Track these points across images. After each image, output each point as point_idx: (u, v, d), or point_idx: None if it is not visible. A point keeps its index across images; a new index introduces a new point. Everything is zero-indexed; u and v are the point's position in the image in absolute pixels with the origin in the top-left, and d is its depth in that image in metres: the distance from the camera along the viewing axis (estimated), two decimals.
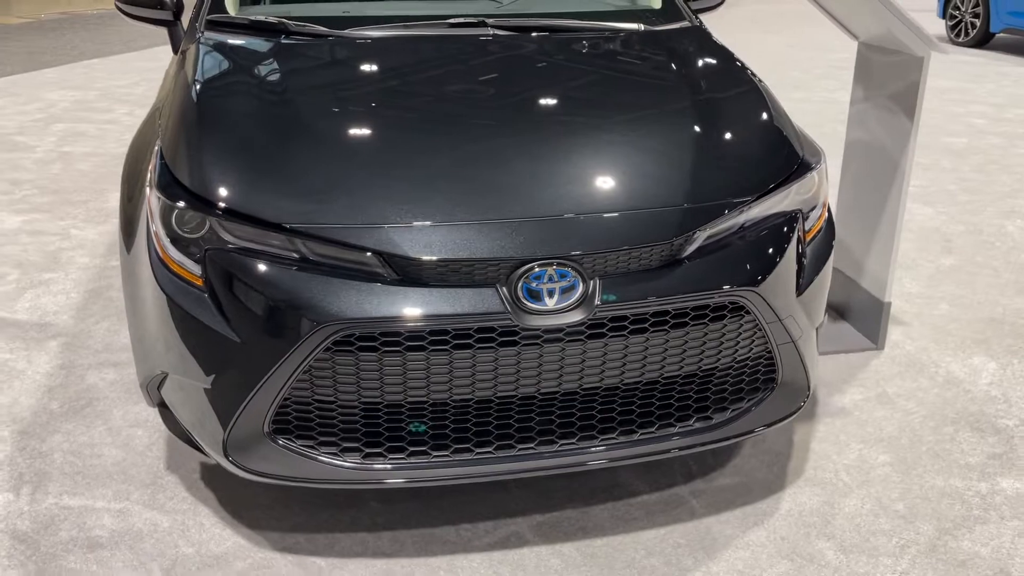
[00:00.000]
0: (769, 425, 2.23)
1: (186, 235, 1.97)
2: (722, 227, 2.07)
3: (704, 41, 2.87)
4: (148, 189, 2.09)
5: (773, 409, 2.23)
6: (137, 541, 2.15)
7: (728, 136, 2.30)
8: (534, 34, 2.76)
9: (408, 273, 1.88)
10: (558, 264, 1.89)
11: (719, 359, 2.10)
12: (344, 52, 2.64)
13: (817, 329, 2.52)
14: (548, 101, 2.42)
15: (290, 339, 1.86)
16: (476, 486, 2.33)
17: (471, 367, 1.92)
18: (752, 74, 2.63)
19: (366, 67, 2.56)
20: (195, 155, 2.08)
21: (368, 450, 1.99)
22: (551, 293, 1.89)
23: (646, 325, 1.97)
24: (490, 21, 2.77)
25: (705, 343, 2.05)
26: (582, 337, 1.94)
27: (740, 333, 2.09)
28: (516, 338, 1.91)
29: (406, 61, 2.61)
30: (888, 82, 2.94)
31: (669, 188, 2.07)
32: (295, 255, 1.92)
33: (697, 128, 2.29)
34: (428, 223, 1.91)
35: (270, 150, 2.09)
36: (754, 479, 2.41)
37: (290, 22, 2.70)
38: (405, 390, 1.93)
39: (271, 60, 2.57)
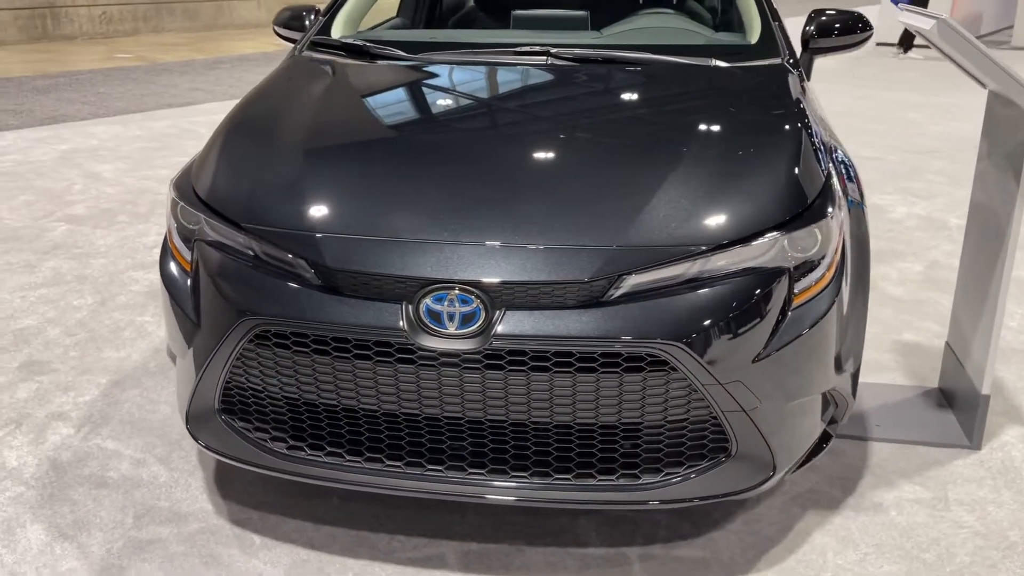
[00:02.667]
0: (714, 497, 2.03)
1: (188, 227, 2.24)
2: (664, 274, 1.93)
3: (771, 81, 2.65)
4: None
5: (722, 481, 2.03)
6: (133, 488, 2.45)
7: (712, 181, 2.12)
8: (592, 65, 2.73)
9: (329, 280, 1.98)
10: (460, 289, 1.89)
11: (644, 414, 1.95)
12: (393, 75, 2.79)
13: (836, 409, 2.25)
14: (543, 131, 2.39)
15: (224, 327, 2.04)
16: (438, 504, 2.36)
17: (372, 379, 1.98)
18: (798, 122, 2.38)
19: (401, 90, 2.70)
20: (204, 157, 2.36)
21: (292, 442, 2.12)
22: (451, 317, 1.89)
23: (548, 364, 1.90)
24: (554, 51, 2.78)
25: (622, 394, 1.93)
26: (480, 366, 1.92)
27: (668, 391, 1.93)
28: (413, 357, 1.93)
29: (443, 86, 2.70)
30: (1008, 137, 2.51)
31: (602, 228, 1.96)
32: (249, 252, 2.10)
33: (679, 170, 2.14)
34: (349, 234, 2.00)
35: (261, 157, 2.30)
36: (719, 558, 2.19)
37: (372, 45, 2.92)
38: (317, 391, 2.03)
39: (324, 78, 2.79)
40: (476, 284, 1.89)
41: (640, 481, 2.01)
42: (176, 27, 14.38)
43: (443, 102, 2.61)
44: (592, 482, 2.01)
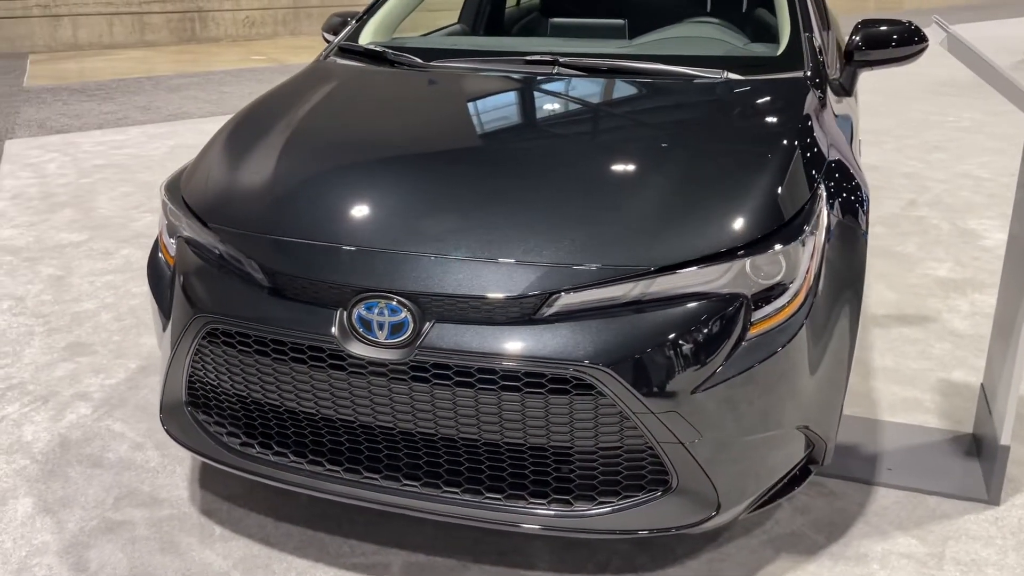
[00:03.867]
0: (649, 531, 1.93)
1: (174, 224, 2.33)
2: (601, 295, 1.85)
3: (780, 96, 2.49)
4: None
5: (660, 515, 1.93)
6: (124, 470, 2.57)
7: (671, 200, 2.01)
8: (596, 76, 2.65)
9: (274, 282, 2.01)
10: (388, 299, 1.87)
11: (574, 439, 1.88)
12: (390, 82, 2.80)
13: (821, 449, 2.10)
14: (514, 144, 2.34)
15: (183, 322, 2.11)
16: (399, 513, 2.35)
17: (309, 384, 1.99)
18: (787, 141, 2.22)
19: (390, 97, 2.70)
20: (197, 158, 2.44)
21: (245, 439, 2.17)
22: (381, 326, 1.88)
23: (472, 380, 1.86)
24: (563, 60, 2.72)
25: (548, 416, 1.86)
26: (406, 377, 1.90)
27: (598, 416, 1.85)
28: (344, 363, 1.93)
29: (433, 95, 2.69)
30: None
31: (541, 244, 1.90)
32: (215, 251, 2.16)
33: (638, 187, 2.04)
34: (293, 238, 2.02)
35: (239, 159, 2.35)
36: None
37: (391, 51, 2.95)
38: (262, 391, 2.07)
39: (329, 84, 2.82)
40: (405, 294, 1.87)
41: (572, 508, 1.94)
42: (312, 31, 15.01)
43: (425, 111, 2.60)
44: (522, 504, 1.95)
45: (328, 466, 2.07)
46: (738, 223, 1.95)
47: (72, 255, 4.36)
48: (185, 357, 2.14)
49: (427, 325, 1.87)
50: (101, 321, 3.60)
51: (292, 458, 2.10)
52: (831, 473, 2.53)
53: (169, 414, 2.28)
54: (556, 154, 2.23)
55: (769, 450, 2.02)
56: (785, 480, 2.12)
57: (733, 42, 2.97)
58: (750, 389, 1.90)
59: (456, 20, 4.26)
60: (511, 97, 2.62)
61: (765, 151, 2.17)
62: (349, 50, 3.08)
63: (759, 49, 2.89)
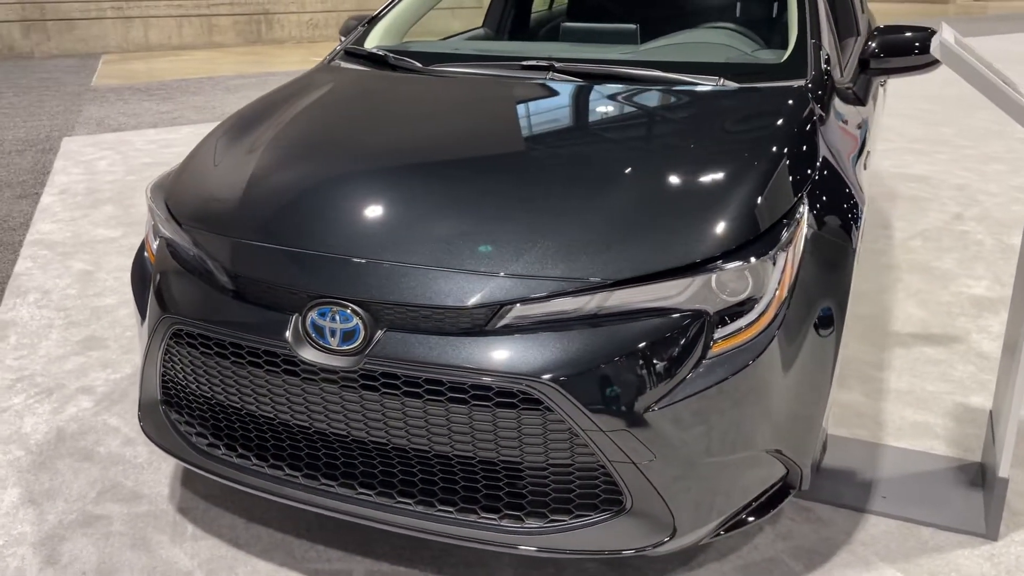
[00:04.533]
0: (601, 553, 1.87)
1: (156, 225, 2.36)
2: (554, 308, 1.80)
3: (772, 105, 2.39)
4: None
5: (612, 536, 1.87)
6: (112, 465, 2.62)
7: (633, 212, 1.94)
8: (589, 82, 2.60)
9: (236, 285, 2.01)
10: (340, 305, 1.86)
11: (524, 454, 1.84)
12: (379, 87, 2.79)
13: (796, 474, 2.02)
14: (485, 151, 2.29)
15: (154, 322, 2.13)
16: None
17: (266, 388, 1.99)
18: (767, 153, 2.13)
19: (373, 101, 2.68)
20: (184, 159, 2.47)
21: (212, 440, 2.18)
22: (333, 333, 1.87)
23: (420, 390, 1.83)
24: (558, 66, 2.68)
25: (496, 430, 1.82)
26: (356, 385, 1.88)
27: (547, 432, 1.80)
28: (297, 369, 1.93)
29: (416, 100, 2.66)
30: None
31: (495, 254, 1.85)
32: (188, 253, 2.17)
33: (602, 198, 1.98)
34: (255, 242, 2.02)
35: (217, 162, 2.37)
36: None
37: (391, 55, 2.94)
38: (224, 393, 2.08)
39: (321, 87, 2.82)
40: (356, 301, 1.85)
41: (523, 524, 1.89)
42: None
43: (405, 116, 2.57)
44: (474, 518, 1.91)
45: (287, 471, 2.07)
46: (703, 237, 1.88)
47: (104, 251, 4.48)
48: (157, 357, 2.16)
49: (379, 333, 1.85)
50: (118, 316, 3.67)
51: (254, 462, 2.11)
52: (820, 498, 2.43)
53: (145, 412, 2.30)
54: (528, 162, 2.19)
55: (735, 473, 1.94)
56: (756, 504, 2.04)
57: (742, 48, 2.88)
58: (711, 410, 1.83)
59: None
60: (495, 103, 2.58)
61: (743, 162, 2.09)
62: (354, 53, 3.08)
63: (766, 56, 2.79)
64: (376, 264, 1.88)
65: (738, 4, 3.70)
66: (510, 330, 1.80)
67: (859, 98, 2.78)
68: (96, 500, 2.45)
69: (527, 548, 1.87)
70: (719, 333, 1.85)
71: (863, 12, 4.24)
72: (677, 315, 1.83)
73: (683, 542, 1.92)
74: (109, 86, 9.85)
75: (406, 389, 1.84)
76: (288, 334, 1.90)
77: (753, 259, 1.87)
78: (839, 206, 2.20)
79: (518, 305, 1.80)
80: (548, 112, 2.49)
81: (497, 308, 1.80)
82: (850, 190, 2.28)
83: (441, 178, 2.14)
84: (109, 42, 12.98)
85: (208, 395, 2.11)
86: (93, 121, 7.81)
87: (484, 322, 1.81)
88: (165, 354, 2.14)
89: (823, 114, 2.43)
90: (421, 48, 3.11)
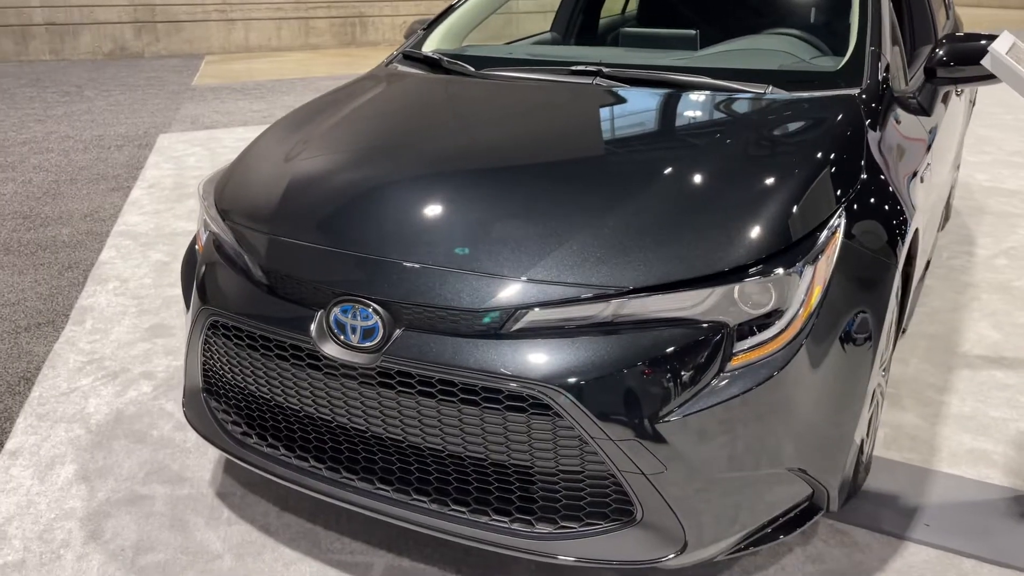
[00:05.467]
0: (609, 563, 1.85)
1: (207, 219, 2.45)
2: (570, 313, 1.80)
3: (818, 115, 2.32)
4: None
5: (622, 547, 1.85)
6: (162, 448, 2.73)
7: (657, 221, 1.91)
8: (635, 88, 2.58)
9: (269, 280, 2.08)
10: (361, 303, 1.89)
11: (534, 459, 1.83)
12: (426, 90, 2.83)
13: (823, 495, 1.97)
14: (519, 156, 2.29)
15: (195, 313, 2.22)
16: None
17: (293, 381, 2.04)
18: (803, 164, 2.07)
19: (418, 104, 2.72)
20: (237, 156, 2.56)
21: (245, 429, 2.25)
22: (354, 330, 1.91)
23: (433, 390, 1.85)
24: (606, 71, 2.66)
25: (507, 433, 1.82)
26: (373, 382, 1.91)
27: (557, 438, 1.80)
28: (320, 364, 1.97)
29: (460, 104, 2.68)
30: None
31: (514, 258, 1.86)
32: (230, 247, 2.25)
33: (627, 206, 1.96)
34: (287, 238, 2.08)
35: (264, 160, 2.44)
36: None
37: (444, 58, 2.98)
38: (256, 384, 2.14)
39: (374, 89, 2.87)
40: (377, 300, 1.89)
41: (533, 529, 1.89)
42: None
43: (444, 119, 2.60)
44: (485, 520, 1.92)
45: (312, 463, 2.12)
46: (726, 247, 1.84)
47: (182, 243, 4.67)
48: (198, 346, 2.24)
49: (397, 332, 1.88)
50: None
51: (282, 452, 2.17)
52: (858, 522, 2.35)
53: (189, 399, 2.40)
54: (558, 167, 2.18)
55: (754, 490, 1.89)
56: (778, 523, 1.99)
57: (801, 55, 2.80)
58: (727, 425, 1.79)
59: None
60: (535, 108, 2.59)
61: (775, 172, 2.04)
62: (411, 57, 3.13)
63: (824, 64, 2.71)
64: (396, 264, 1.91)
65: (812, 10, 3.60)
66: (524, 334, 1.80)
67: (923, 108, 2.67)
68: (143, 480, 2.56)
69: (540, 554, 1.87)
70: (740, 346, 1.81)
71: (948, 18, 4.07)
72: (695, 326, 1.80)
73: (695, 557, 1.88)
74: (208, 85, 10.25)
75: (420, 388, 1.86)
76: (312, 329, 1.95)
77: (778, 271, 1.82)
78: (883, 221, 2.13)
79: (533, 310, 1.80)
80: (586, 117, 2.48)
81: (512, 312, 1.81)
82: (898, 205, 2.20)
83: (468, 181, 2.16)
84: (213, 43, 13.51)
85: (242, 385, 2.18)
86: (188, 119, 8.14)
87: (499, 325, 1.82)
88: (204, 344, 2.22)
89: (875, 125, 2.34)
90: (476, 52, 3.14)
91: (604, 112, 2.50)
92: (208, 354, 2.24)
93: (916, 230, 2.45)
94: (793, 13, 3.55)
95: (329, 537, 2.32)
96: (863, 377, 1.98)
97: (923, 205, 2.50)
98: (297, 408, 2.08)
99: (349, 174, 2.27)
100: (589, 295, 1.79)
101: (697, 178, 2.05)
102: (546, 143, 2.34)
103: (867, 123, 2.31)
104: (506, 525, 1.90)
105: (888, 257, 2.08)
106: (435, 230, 1.98)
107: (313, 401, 2.03)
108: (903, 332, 2.96)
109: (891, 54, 2.65)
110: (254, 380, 2.14)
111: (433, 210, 2.05)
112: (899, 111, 2.55)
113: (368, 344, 1.89)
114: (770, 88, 2.46)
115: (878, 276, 2.04)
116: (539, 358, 1.77)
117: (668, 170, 2.09)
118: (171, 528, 2.36)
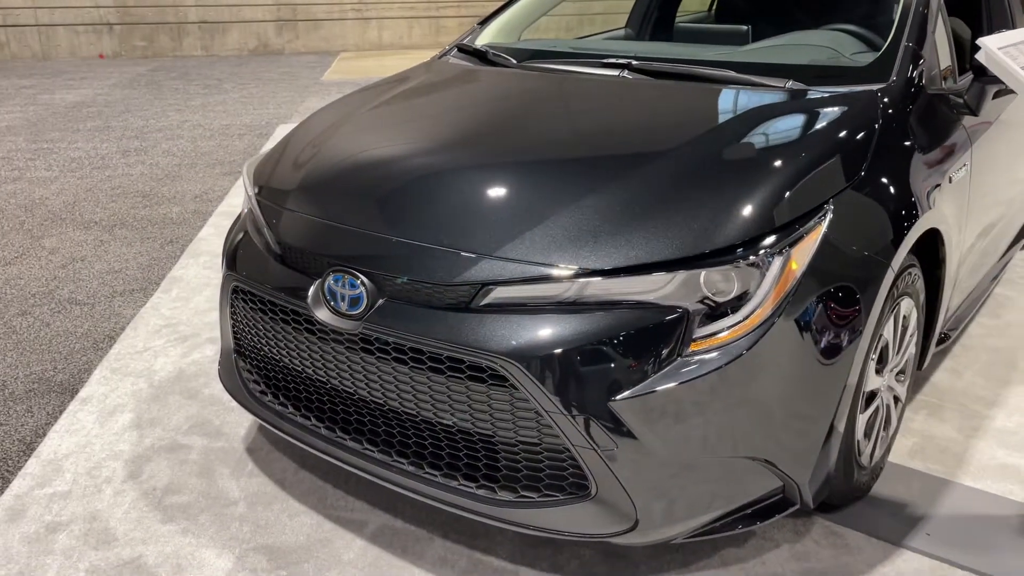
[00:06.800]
0: (563, 534, 1.92)
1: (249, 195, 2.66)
2: (534, 292, 1.88)
3: (831, 110, 2.29)
4: None
5: (577, 520, 1.92)
6: (209, 404, 2.96)
7: (630, 206, 1.95)
8: (659, 81, 2.61)
9: (281, 249, 2.25)
10: (350, 273, 2.03)
11: (496, 428, 1.92)
12: (466, 79, 2.94)
13: (793, 490, 1.99)
14: (521, 141, 2.36)
15: (223, 279, 2.43)
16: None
17: (294, 343, 2.21)
18: (796, 157, 2.06)
19: (449, 93, 2.83)
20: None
21: (264, 388, 2.44)
22: (343, 298, 2.05)
23: (406, 358, 1.97)
24: (635, 64, 2.71)
25: (470, 402, 1.92)
26: (357, 348, 2.05)
27: (514, 409, 1.88)
28: (314, 328, 2.13)
29: (492, 92, 2.78)
30: None
31: (487, 236, 1.95)
32: (256, 219, 2.44)
33: (605, 191, 2.00)
34: (296, 211, 2.25)
35: (301, 142, 2.62)
36: None
37: (490, 51, 3.09)
38: (268, 346, 2.32)
39: (418, 79, 3.02)
40: (362, 270, 2.02)
41: (495, 496, 1.98)
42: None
43: (467, 106, 2.70)
44: (454, 484, 2.03)
45: (314, 422, 2.28)
46: (692, 234, 1.87)
47: None
48: (227, 310, 2.45)
49: (380, 301, 2.01)
50: None
51: (291, 410, 2.34)
52: (856, 526, 2.30)
53: (223, 359, 2.61)
54: (550, 153, 2.25)
55: (715, 477, 1.91)
56: (745, 512, 1.99)
57: (843, 51, 2.75)
58: (681, 408, 1.82)
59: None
60: (548, 98, 2.66)
61: (762, 164, 2.04)
62: (463, 49, 3.26)
63: (860, 59, 2.65)
64: (381, 238, 2.05)
65: (877, 6, 3.50)
66: (490, 309, 1.90)
67: (970, 107, 2.57)
68: (186, 432, 2.81)
69: (499, 521, 1.96)
70: (700, 332, 1.84)
71: None
72: (657, 309, 1.84)
73: (648, 537, 1.92)
74: (335, 80, 10.75)
75: (395, 355, 1.99)
76: (309, 296, 2.11)
77: (743, 260, 1.84)
78: (883, 219, 2.09)
79: (500, 286, 1.89)
80: (594, 108, 2.53)
81: (479, 287, 1.90)
82: (906, 205, 2.15)
83: (461, 164, 2.26)
84: (348, 41, 14.13)
85: (259, 347, 2.37)
86: (309, 111, 8.59)
87: (468, 300, 1.91)
88: (231, 307, 2.42)
89: (894, 121, 2.29)
90: (524, 45, 3.24)
91: (614, 103, 2.54)
92: (235, 317, 2.44)
93: (939, 233, 2.38)
94: (859, 9, 3.46)
95: (336, 495, 2.48)
96: (838, 376, 1.96)
97: (951, 207, 2.42)
98: (299, 370, 2.25)
99: (358, 155, 2.42)
100: (553, 274, 1.86)
101: (680, 167, 2.08)
102: (547, 130, 2.42)
103: (884, 120, 2.26)
104: (472, 490, 2.00)
105: (882, 257, 2.04)
106: (420, 208, 2.10)
107: (311, 364, 2.19)
108: (944, 339, 2.85)
109: (936, 51, 2.57)
110: (266, 343, 2.32)
111: (422, 189, 2.17)
112: (934, 109, 2.47)
113: (355, 312, 2.03)
114: (789, 83, 2.44)
115: (867, 274, 2.01)
116: (500, 332, 1.86)
117: (655, 158, 2.13)
118: (199, 475, 2.58)
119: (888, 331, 2.21)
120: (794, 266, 1.88)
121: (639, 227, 1.91)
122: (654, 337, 1.82)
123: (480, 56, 3.14)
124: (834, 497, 2.24)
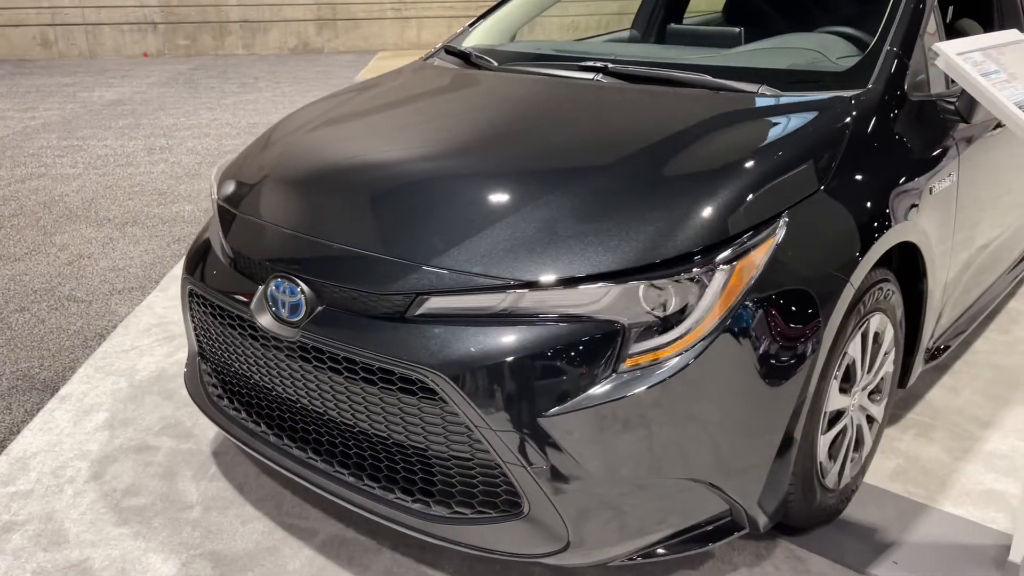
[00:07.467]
0: (493, 553, 1.86)
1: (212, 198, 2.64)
2: (467, 303, 1.82)
3: (795, 115, 2.20)
4: None
5: (509, 538, 1.86)
6: (184, 406, 2.96)
7: (567, 217, 1.88)
8: (633, 84, 2.53)
9: (230, 254, 2.23)
10: (289, 280, 2.00)
11: (427, 442, 1.87)
12: (438, 82, 2.89)
13: (740, 513, 1.91)
14: (478, 145, 2.29)
15: (182, 282, 2.41)
16: None
17: (240, 348, 2.18)
18: (746, 166, 1.98)
19: (424, 96, 2.78)
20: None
21: (221, 392, 2.42)
22: (283, 304, 2.02)
23: (340, 367, 1.93)
24: (612, 67, 2.63)
25: (403, 414, 1.87)
26: (296, 356, 2.01)
27: (445, 423, 1.83)
28: (257, 334, 2.10)
29: (463, 96, 2.73)
30: None
31: (422, 246, 1.89)
32: (214, 223, 2.42)
33: (547, 201, 1.93)
34: (246, 215, 2.22)
35: (261, 146, 2.60)
36: None
37: (473, 52, 3.04)
38: (219, 349, 2.30)
39: (393, 81, 2.98)
40: (300, 277, 1.99)
41: (430, 511, 1.93)
42: None
43: (422, 111, 2.65)
44: (391, 497, 1.98)
45: (263, 428, 2.25)
46: (633, 246, 1.80)
47: None
48: (188, 313, 2.44)
49: (319, 308, 1.97)
50: None
51: (243, 415, 2.32)
52: (822, 551, 2.21)
53: (189, 362, 2.60)
54: (507, 161, 2.19)
55: (650, 497, 1.84)
56: (690, 535, 1.91)
57: (830, 54, 2.64)
58: (615, 426, 1.75)
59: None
60: (517, 103, 2.59)
61: (712, 174, 1.95)
62: (450, 51, 3.22)
63: (843, 64, 2.54)
64: (321, 244, 2.01)
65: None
66: (426, 320, 1.85)
67: (961, 114, 2.45)
68: (157, 433, 2.81)
69: (427, 534, 1.91)
70: (636, 348, 1.77)
71: None
72: (592, 323, 1.77)
73: (582, 559, 1.85)
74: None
75: (330, 364, 1.95)
76: (253, 302, 2.08)
77: (683, 274, 1.76)
78: (846, 233, 1.99)
79: (433, 297, 1.84)
80: (557, 113, 2.46)
81: (413, 297, 1.85)
82: (872, 219, 2.05)
83: (409, 171, 2.21)
84: (387, 40, 14.20)
85: (215, 351, 2.36)
86: None
87: (403, 310, 1.87)
88: (190, 311, 2.41)
89: (868, 129, 2.19)
90: (509, 47, 3.18)
91: (579, 109, 2.47)
92: (195, 321, 2.42)
93: (917, 247, 2.27)
94: (864, 10, 3.33)
95: (293, 502, 2.45)
96: (787, 396, 1.87)
97: (932, 219, 2.31)
98: (248, 376, 2.23)
99: (310, 160, 2.39)
100: (487, 285, 1.81)
101: (629, 176, 2.01)
102: (502, 137, 2.35)
103: (855, 128, 2.16)
104: (407, 504, 1.95)
105: (842, 271, 1.95)
106: (362, 215, 2.06)
107: (258, 370, 2.17)
108: (936, 355, 2.73)
109: (925, 54, 2.45)
110: (219, 347, 2.30)
111: (367, 196, 2.12)
112: (917, 117, 2.36)
113: (295, 319, 2.00)
114: (762, 88, 2.34)
115: (823, 290, 1.91)
116: (431, 344, 1.81)
117: (606, 167, 2.06)
118: (162, 477, 2.57)
119: (855, 349, 2.11)
120: (739, 280, 1.80)
121: (579, 239, 1.84)
122: (588, 352, 1.76)
123: (465, 58, 3.09)
124: (795, 520, 2.15)
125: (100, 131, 7.64)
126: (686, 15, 4.34)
